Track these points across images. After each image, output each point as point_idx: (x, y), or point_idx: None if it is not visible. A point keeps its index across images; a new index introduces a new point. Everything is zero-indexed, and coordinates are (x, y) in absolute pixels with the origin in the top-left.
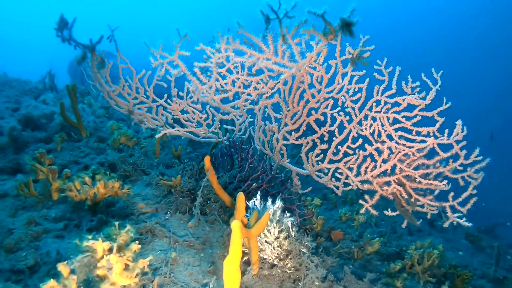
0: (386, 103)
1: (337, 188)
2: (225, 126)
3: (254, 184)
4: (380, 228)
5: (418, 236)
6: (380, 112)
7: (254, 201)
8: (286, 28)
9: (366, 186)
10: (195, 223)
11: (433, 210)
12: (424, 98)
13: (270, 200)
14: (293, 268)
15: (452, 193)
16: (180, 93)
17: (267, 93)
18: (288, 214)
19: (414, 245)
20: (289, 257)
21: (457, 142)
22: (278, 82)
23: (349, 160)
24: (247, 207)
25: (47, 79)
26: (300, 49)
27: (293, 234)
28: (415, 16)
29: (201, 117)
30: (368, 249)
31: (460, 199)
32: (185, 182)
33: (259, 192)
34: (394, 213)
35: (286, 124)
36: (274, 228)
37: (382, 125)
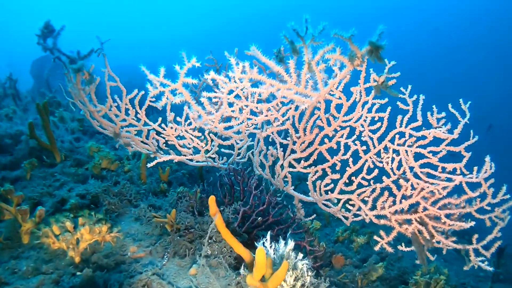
0: (411, 135)
1: (347, 218)
2: (222, 150)
3: (260, 218)
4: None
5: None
6: (403, 145)
7: (263, 242)
8: (311, 54)
9: (382, 222)
10: (198, 270)
11: (448, 247)
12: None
13: (282, 242)
14: None
15: (476, 235)
16: (178, 118)
17: (276, 119)
18: (301, 255)
19: (420, 271)
20: None
21: (485, 179)
22: (290, 109)
23: (363, 192)
24: (254, 247)
25: (8, 84)
26: (324, 76)
27: (308, 279)
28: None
29: (199, 144)
30: (373, 275)
31: (484, 242)
32: (181, 218)
33: (269, 233)
34: (408, 249)
35: (293, 151)
36: (290, 276)
37: (406, 160)
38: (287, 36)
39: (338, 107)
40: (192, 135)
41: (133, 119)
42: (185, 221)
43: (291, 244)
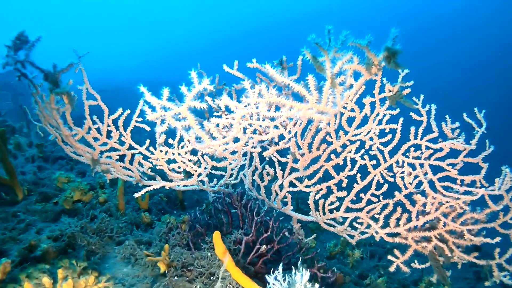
0: (427, 148)
1: (352, 237)
2: (212, 171)
3: (264, 246)
4: (375, 259)
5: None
6: (419, 158)
7: (276, 276)
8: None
9: (397, 240)
10: None
11: (463, 261)
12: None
13: (298, 275)
14: None
15: (498, 249)
16: (170, 140)
17: (280, 137)
18: (317, 286)
19: (423, 284)
20: None
21: (507, 191)
22: (294, 125)
23: (373, 209)
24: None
25: None
26: (340, 89)
27: None
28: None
29: (192, 167)
30: None
31: (507, 255)
32: (176, 254)
33: (281, 265)
34: (422, 266)
35: (294, 169)
36: None
37: (423, 174)
38: (308, 49)
39: (347, 121)
40: (185, 158)
41: (115, 142)
42: (181, 258)
43: (306, 275)
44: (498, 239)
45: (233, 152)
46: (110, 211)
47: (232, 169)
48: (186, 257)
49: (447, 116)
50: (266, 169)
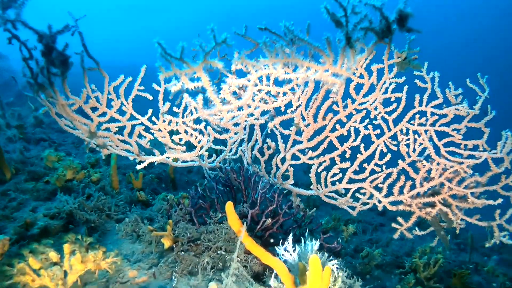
0: (432, 114)
1: (353, 208)
2: (212, 146)
3: (269, 219)
4: (366, 234)
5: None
6: (425, 124)
7: (286, 246)
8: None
9: (401, 207)
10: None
11: (461, 225)
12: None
13: (309, 244)
14: None
15: (498, 211)
16: (175, 109)
17: (287, 105)
18: (326, 255)
19: (417, 254)
20: None
21: (508, 154)
22: (301, 94)
23: (376, 179)
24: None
25: None
26: (355, 52)
27: (340, 280)
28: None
29: (197, 137)
30: (371, 264)
31: (506, 216)
32: (182, 229)
33: (290, 236)
34: (423, 232)
35: (296, 142)
36: None
37: (430, 140)
38: (328, 7)
39: (354, 89)
40: (191, 128)
41: (115, 112)
42: (187, 233)
43: (316, 244)
44: (500, 200)
45: (236, 124)
46: (105, 190)
47: (232, 143)
48: (191, 232)
49: (450, 83)
50: (267, 142)
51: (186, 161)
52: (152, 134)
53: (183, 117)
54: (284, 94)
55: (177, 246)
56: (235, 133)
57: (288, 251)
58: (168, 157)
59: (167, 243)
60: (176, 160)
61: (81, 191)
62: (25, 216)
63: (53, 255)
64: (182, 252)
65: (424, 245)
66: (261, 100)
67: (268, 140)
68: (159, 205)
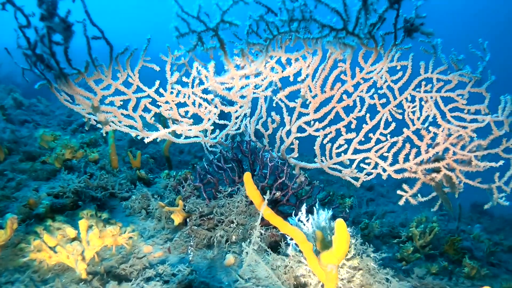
0: (438, 80)
1: (357, 179)
2: (216, 120)
3: (279, 192)
4: (362, 208)
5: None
6: (431, 91)
7: (300, 217)
8: None
9: (406, 174)
10: (235, 259)
11: (461, 190)
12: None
13: (323, 213)
14: None
15: (497, 174)
16: (184, 79)
17: (296, 75)
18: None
19: (414, 223)
20: (358, 277)
21: (507, 117)
22: (313, 61)
23: (381, 148)
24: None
25: None
26: (369, 14)
27: (353, 247)
28: None
29: (205, 108)
30: (370, 235)
31: (505, 179)
32: (193, 204)
33: (303, 206)
34: (425, 199)
35: (302, 114)
36: None
37: (436, 106)
38: None
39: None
40: (198, 97)
41: (120, 85)
42: (198, 208)
43: (329, 213)
44: (501, 162)
45: (242, 97)
46: (105, 169)
47: (236, 117)
48: (202, 206)
49: (452, 49)
50: (271, 116)
51: (189, 137)
52: (158, 107)
53: (192, 87)
54: (297, 60)
55: (190, 221)
56: (241, 107)
57: (301, 221)
58: (169, 133)
59: (177, 219)
60: (178, 136)
61: (83, 170)
62: (29, 195)
63: (70, 231)
64: (195, 227)
65: (419, 215)
66: (272, 69)
67: (272, 113)
68: (164, 182)
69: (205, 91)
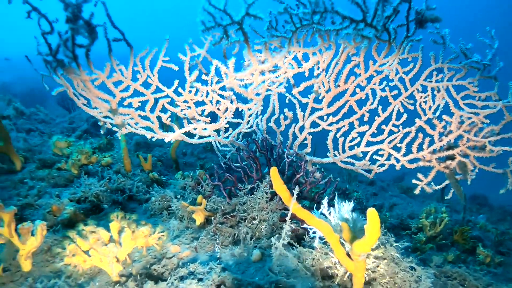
0: (450, 70)
1: (370, 171)
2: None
3: (297, 187)
4: (369, 201)
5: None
6: (442, 81)
7: (322, 210)
8: None
9: (421, 163)
10: (262, 256)
11: (473, 176)
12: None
13: (346, 205)
14: (390, 279)
15: (511, 158)
16: (204, 77)
17: (312, 70)
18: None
19: (424, 214)
20: (383, 267)
21: None
22: (327, 57)
23: (394, 139)
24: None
25: None
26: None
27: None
28: None
29: (224, 105)
30: (382, 227)
31: None
32: (215, 203)
33: (325, 199)
34: (438, 186)
35: (315, 109)
36: None
37: (448, 94)
38: None
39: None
40: (216, 94)
41: (140, 86)
42: (220, 206)
43: (350, 204)
44: None
45: (257, 94)
46: (120, 172)
47: (250, 115)
48: (224, 205)
49: (460, 39)
50: (284, 113)
51: (203, 137)
52: (176, 107)
53: (211, 84)
54: (314, 54)
55: (215, 219)
56: (255, 104)
57: (323, 214)
58: (184, 133)
59: (198, 218)
60: (192, 136)
61: (100, 174)
62: (51, 201)
63: (104, 234)
64: (219, 225)
65: (427, 206)
66: (289, 65)
67: (285, 109)
68: (181, 183)
69: (222, 89)
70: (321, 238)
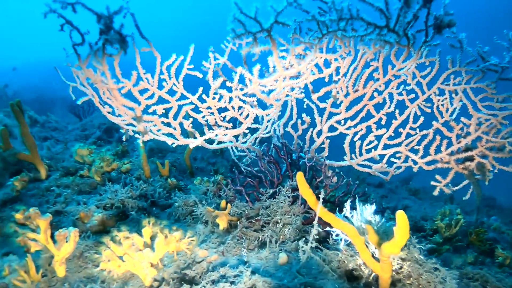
0: (467, 73)
1: (386, 174)
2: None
3: (316, 191)
4: (381, 204)
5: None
6: (460, 84)
7: (345, 213)
8: None
9: (439, 165)
10: (288, 258)
11: (490, 177)
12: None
13: (368, 207)
14: (415, 280)
15: None
16: (228, 83)
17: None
18: (378, 217)
19: (439, 216)
20: (407, 268)
21: None
22: (356, 63)
23: (411, 142)
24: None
25: None
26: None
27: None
28: None
29: (249, 110)
30: None
31: None
32: (238, 208)
33: (348, 202)
34: (456, 188)
35: (332, 114)
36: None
37: (467, 97)
38: None
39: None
40: (239, 99)
41: (165, 93)
42: (244, 210)
43: (372, 208)
44: None
45: (276, 100)
46: (141, 178)
47: (268, 120)
48: (247, 209)
49: (477, 42)
50: (301, 117)
51: (221, 143)
52: (200, 112)
53: (235, 90)
54: (336, 60)
55: (241, 223)
56: (275, 110)
57: (347, 217)
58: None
59: (222, 223)
60: (210, 142)
61: (123, 181)
62: (79, 208)
63: (139, 240)
64: (244, 229)
65: (442, 208)
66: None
67: (303, 114)
68: (203, 188)
69: (245, 95)
70: (345, 240)
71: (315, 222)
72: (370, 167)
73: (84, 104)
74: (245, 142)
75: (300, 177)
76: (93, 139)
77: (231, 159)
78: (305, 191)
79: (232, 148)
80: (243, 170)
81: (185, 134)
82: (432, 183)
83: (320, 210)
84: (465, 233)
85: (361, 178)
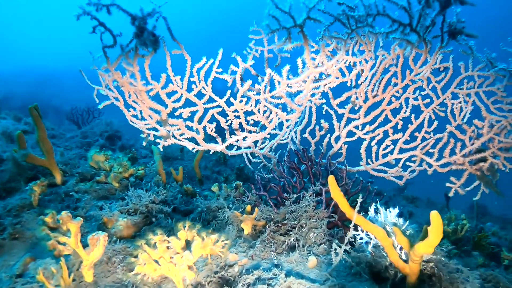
0: (480, 77)
1: (401, 178)
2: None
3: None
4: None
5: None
6: (473, 88)
7: (370, 216)
8: None
9: (454, 167)
10: (318, 261)
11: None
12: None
13: (394, 211)
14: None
15: None
16: (257, 86)
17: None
18: (401, 220)
19: (445, 221)
20: (429, 269)
21: None
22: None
23: (426, 145)
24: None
25: None
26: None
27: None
28: None
29: (276, 114)
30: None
31: None
32: (264, 212)
33: (373, 205)
34: (468, 188)
35: (351, 119)
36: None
37: (480, 100)
38: None
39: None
40: (267, 102)
41: (194, 96)
42: (270, 215)
43: (395, 211)
44: None
45: (298, 105)
46: (158, 184)
47: (288, 126)
48: (273, 214)
49: (485, 49)
50: (321, 123)
51: (240, 148)
52: (226, 116)
53: (264, 92)
54: (360, 63)
55: (269, 227)
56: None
57: (371, 220)
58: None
59: (246, 228)
60: (230, 148)
61: (144, 186)
62: (104, 213)
63: (176, 243)
64: (272, 233)
65: (448, 213)
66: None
67: (322, 120)
68: (223, 194)
69: (272, 98)
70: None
71: (351, 226)
72: (385, 172)
73: (83, 112)
74: (263, 148)
75: (331, 180)
76: (97, 147)
77: (236, 167)
78: (337, 193)
79: (247, 155)
80: (264, 176)
81: (207, 139)
82: (448, 184)
83: (351, 213)
84: (468, 238)
85: (362, 186)
